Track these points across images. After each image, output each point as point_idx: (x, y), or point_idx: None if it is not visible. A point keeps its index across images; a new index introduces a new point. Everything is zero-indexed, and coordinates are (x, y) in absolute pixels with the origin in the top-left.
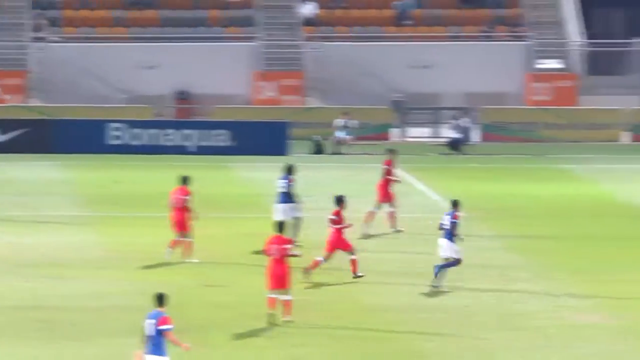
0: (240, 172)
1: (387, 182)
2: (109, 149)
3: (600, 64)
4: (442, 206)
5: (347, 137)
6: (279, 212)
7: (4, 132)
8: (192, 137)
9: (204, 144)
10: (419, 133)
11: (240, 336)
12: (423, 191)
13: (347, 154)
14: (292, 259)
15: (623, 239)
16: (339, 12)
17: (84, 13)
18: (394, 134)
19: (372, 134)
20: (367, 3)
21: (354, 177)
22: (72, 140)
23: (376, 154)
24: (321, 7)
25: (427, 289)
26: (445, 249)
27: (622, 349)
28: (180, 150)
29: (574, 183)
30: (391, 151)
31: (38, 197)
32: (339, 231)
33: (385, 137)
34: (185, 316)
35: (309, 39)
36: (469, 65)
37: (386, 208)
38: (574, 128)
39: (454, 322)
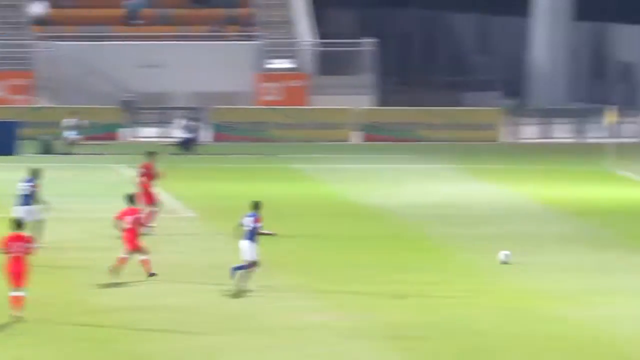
0: None
1: (148, 185)
2: None
3: (331, 64)
4: (173, 207)
5: (78, 137)
6: (20, 214)
7: None
8: None
9: None
10: (149, 133)
11: None
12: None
13: (77, 154)
14: (31, 257)
15: (355, 238)
16: (69, 11)
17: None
18: (124, 133)
19: (101, 133)
20: (98, 2)
21: (84, 177)
22: None
23: (106, 154)
24: (52, 6)
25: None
26: (245, 251)
27: (351, 349)
28: None
29: (305, 182)
30: (151, 153)
31: None
32: (133, 230)
33: (114, 137)
34: None
35: (39, 38)
36: (199, 65)
37: (148, 208)
38: (304, 128)
39: (181, 322)
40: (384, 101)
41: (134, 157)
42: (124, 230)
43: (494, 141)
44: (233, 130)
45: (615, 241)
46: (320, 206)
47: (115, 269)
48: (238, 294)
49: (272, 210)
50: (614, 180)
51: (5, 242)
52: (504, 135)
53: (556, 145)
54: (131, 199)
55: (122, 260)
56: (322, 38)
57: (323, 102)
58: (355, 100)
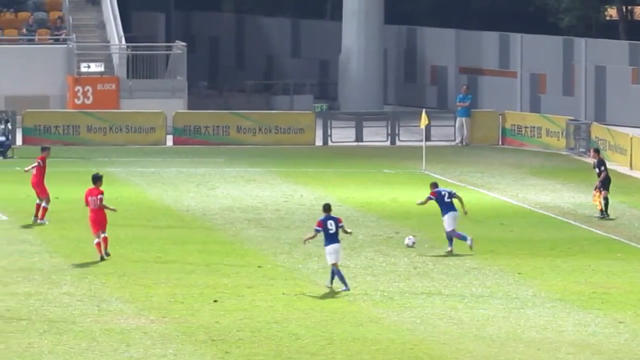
0: None
1: (41, 177)
2: None
3: (142, 67)
4: None
5: None
6: None
7: None
8: None
9: None
10: None
11: None
12: None
13: None
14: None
15: (168, 242)
16: None
17: None
18: None
19: None
20: None
21: None
22: None
23: None
24: None
25: None
26: (335, 253)
27: (164, 353)
28: None
29: (121, 187)
30: (46, 148)
31: None
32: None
33: None
34: None
35: None
36: (10, 69)
37: (44, 202)
38: (116, 131)
39: None
40: (194, 105)
41: None
42: None
43: (307, 144)
44: (45, 134)
45: (432, 243)
46: (133, 210)
47: None
48: (56, 298)
49: (82, 213)
50: (428, 183)
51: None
52: (317, 138)
53: (369, 149)
54: None
55: None
56: (131, 41)
57: (134, 106)
58: (166, 103)
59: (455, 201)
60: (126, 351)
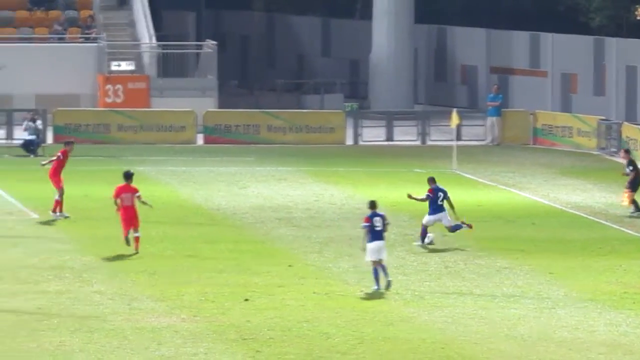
0: None
1: (58, 169)
2: None
3: (172, 66)
4: (17, 208)
5: None
6: None
7: None
8: None
9: None
10: None
11: None
12: None
13: None
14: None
15: (200, 241)
16: None
17: None
18: None
19: None
20: None
21: None
22: None
23: None
24: None
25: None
26: (379, 250)
27: (199, 351)
28: None
29: (151, 185)
30: (69, 143)
31: None
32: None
33: None
34: None
35: None
36: (40, 67)
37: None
38: (147, 130)
39: (30, 323)
40: (225, 103)
41: None
42: None
43: (337, 144)
44: (75, 132)
45: (461, 243)
46: (164, 208)
47: None
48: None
49: (112, 211)
50: (459, 183)
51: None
52: (347, 137)
53: (400, 148)
54: None
55: None
56: (162, 40)
57: (165, 104)
58: (197, 102)
59: (445, 203)
60: (157, 350)
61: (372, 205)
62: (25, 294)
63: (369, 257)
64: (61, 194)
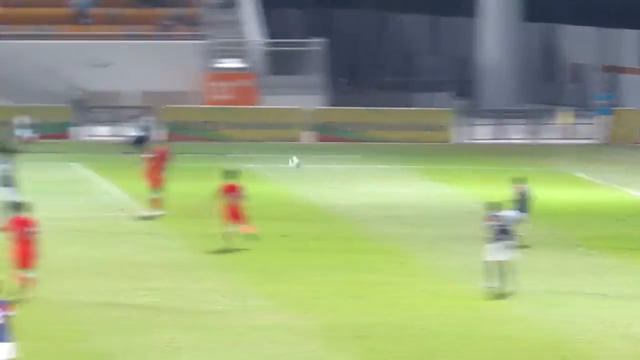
0: None
1: (154, 168)
2: None
3: (280, 64)
4: (131, 205)
5: (33, 135)
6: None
7: None
8: None
9: None
10: (100, 132)
11: None
12: (108, 190)
13: (32, 152)
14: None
15: (310, 239)
16: (17, 10)
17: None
18: (75, 132)
19: (52, 132)
20: (46, 1)
21: (40, 175)
22: None
23: (58, 152)
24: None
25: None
26: (499, 251)
27: (312, 349)
28: None
29: (257, 183)
30: (166, 142)
31: None
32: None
33: (65, 136)
34: None
35: None
36: (147, 64)
37: (154, 194)
38: (255, 127)
39: (142, 319)
40: (333, 101)
41: (86, 156)
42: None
43: (446, 142)
44: (184, 130)
45: (573, 242)
46: (272, 206)
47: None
48: (198, 295)
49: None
50: (570, 182)
51: (9, 225)
52: (456, 136)
53: (509, 146)
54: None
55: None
56: (270, 38)
57: (273, 102)
58: (305, 100)
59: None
60: (271, 347)
61: (493, 206)
62: (136, 291)
63: (494, 257)
64: (155, 192)
